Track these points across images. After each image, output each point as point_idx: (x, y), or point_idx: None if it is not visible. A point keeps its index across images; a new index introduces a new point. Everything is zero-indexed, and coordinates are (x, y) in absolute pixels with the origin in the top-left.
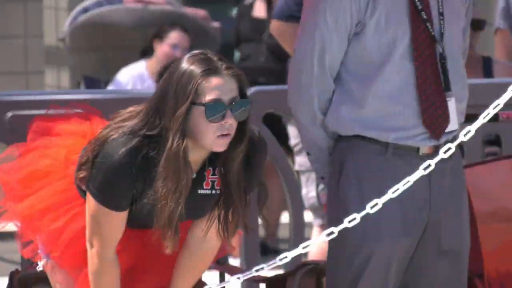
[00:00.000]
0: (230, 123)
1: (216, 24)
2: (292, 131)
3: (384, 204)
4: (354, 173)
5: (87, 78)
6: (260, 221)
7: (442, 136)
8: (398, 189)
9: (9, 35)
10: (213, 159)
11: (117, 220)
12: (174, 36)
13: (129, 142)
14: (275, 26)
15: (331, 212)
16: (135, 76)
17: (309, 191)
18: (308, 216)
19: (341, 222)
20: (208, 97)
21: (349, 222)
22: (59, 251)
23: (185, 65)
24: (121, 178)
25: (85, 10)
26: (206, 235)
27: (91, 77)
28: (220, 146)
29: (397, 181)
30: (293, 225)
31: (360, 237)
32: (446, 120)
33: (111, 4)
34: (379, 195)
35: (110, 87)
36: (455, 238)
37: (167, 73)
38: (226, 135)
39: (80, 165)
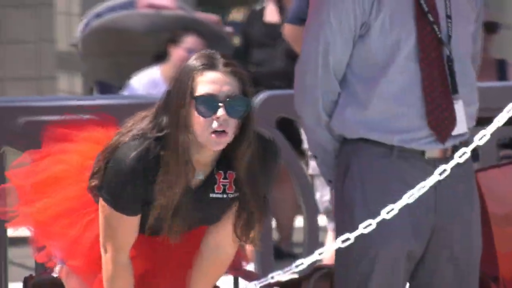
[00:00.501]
0: (224, 119)
1: (228, 29)
2: (305, 135)
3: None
4: (359, 175)
5: (100, 83)
6: (274, 225)
7: (448, 139)
8: (413, 194)
9: (22, 41)
10: (224, 162)
11: (130, 225)
12: (189, 40)
13: (139, 146)
14: (288, 30)
15: (338, 215)
16: (148, 82)
17: (323, 195)
18: (322, 220)
19: (347, 225)
20: (200, 91)
21: (365, 228)
22: (75, 259)
23: (188, 61)
24: (133, 182)
25: (98, 15)
26: (221, 242)
27: (104, 82)
28: (215, 144)
29: (402, 184)
30: (307, 229)
31: (366, 240)
32: (452, 122)
33: (124, 10)
34: (384, 198)
35: (124, 93)
36: (464, 242)
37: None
38: (221, 132)
39: (93, 173)
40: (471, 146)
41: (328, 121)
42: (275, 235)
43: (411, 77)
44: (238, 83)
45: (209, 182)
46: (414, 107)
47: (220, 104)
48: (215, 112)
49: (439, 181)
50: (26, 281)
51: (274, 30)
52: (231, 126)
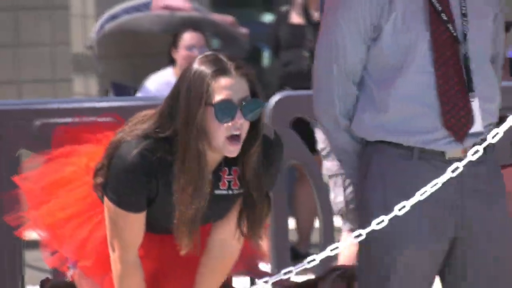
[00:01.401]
0: (241, 123)
1: (244, 30)
2: (319, 135)
3: (411, 209)
4: (379, 177)
5: (115, 85)
6: (292, 226)
7: (466, 138)
8: (426, 191)
9: (37, 43)
10: (229, 158)
11: (136, 222)
12: (187, 37)
13: (142, 144)
14: None
15: (359, 216)
16: (162, 83)
17: (337, 195)
18: (338, 221)
19: (367, 225)
20: (218, 98)
21: (377, 224)
22: (85, 260)
23: (195, 66)
24: (135, 179)
25: (113, 17)
26: (226, 239)
27: (119, 84)
28: (231, 152)
29: (423, 185)
30: (323, 230)
31: (386, 242)
32: (470, 121)
33: (138, 11)
34: (404, 200)
35: (139, 94)
36: (495, 242)
37: (179, 75)
38: (237, 136)
39: (96, 170)
40: (484, 144)
41: (347, 125)
42: (293, 237)
43: (426, 77)
44: (248, 85)
45: (214, 179)
46: (430, 108)
47: (237, 108)
48: (233, 117)
49: (462, 180)
50: (42, 284)
51: (300, 32)
52: (245, 128)
